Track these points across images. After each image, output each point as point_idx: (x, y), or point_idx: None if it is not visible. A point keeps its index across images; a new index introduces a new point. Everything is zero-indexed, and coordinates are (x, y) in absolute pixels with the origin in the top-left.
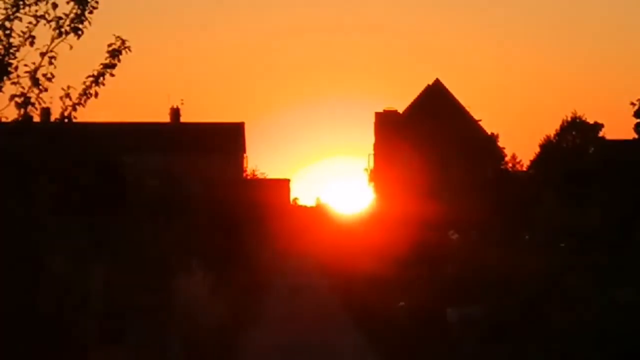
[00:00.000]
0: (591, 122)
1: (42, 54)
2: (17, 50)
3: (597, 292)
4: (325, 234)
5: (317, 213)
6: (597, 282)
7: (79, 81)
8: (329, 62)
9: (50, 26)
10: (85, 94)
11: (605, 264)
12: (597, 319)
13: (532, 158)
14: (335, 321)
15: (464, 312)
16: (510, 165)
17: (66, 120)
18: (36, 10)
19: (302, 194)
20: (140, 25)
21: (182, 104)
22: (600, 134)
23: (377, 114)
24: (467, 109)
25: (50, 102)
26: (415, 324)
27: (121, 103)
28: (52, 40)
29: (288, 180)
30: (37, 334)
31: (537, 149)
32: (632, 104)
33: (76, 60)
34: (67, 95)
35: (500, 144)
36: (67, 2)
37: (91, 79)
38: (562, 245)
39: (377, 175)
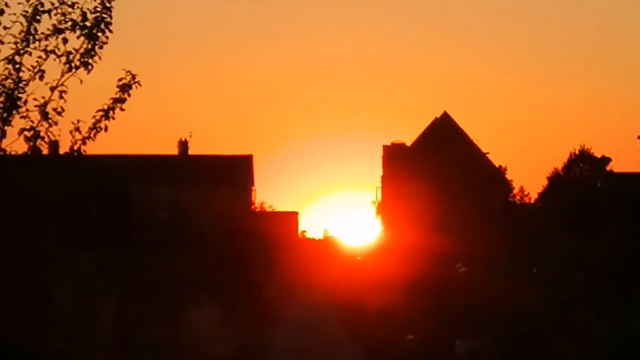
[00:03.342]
0: (599, 155)
1: (52, 88)
2: (27, 85)
3: (605, 325)
4: (333, 266)
5: (325, 246)
6: (605, 315)
7: (89, 115)
8: (337, 95)
9: (61, 61)
10: (95, 128)
11: (614, 296)
12: (604, 351)
13: (540, 190)
14: (344, 354)
15: (472, 344)
16: (518, 197)
17: (76, 154)
18: (46, 45)
19: (310, 226)
20: (149, 58)
21: (190, 136)
22: (608, 167)
23: (385, 147)
24: (475, 141)
25: (59, 135)
26: (424, 357)
27: (129, 135)
28: (62, 74)
29: (296, 213)
30: None
31: (545, 182)
32: None
33: (86, 94)
34: (77, 129)
35: (508, 176)
36: (78, 37)
37: (101, 113)
38: (577, 274)
39: (384, 208)
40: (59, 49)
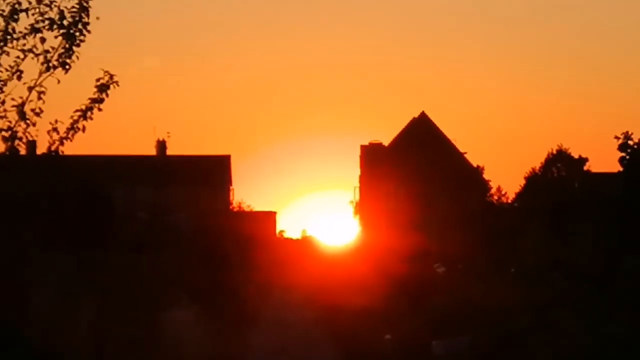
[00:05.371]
0: (576, 156)
1: (30, 88)
2: (5, 85)
3: (583, 325)
4: (311, 266)
5: (303, 245)
6: (583, 315)
7: (67, 115)
8: (314, 95)
9: (38, 60)
10: (73, 128)
11: (591, 296)
12: (582, 352)
13: (517, 190)
14: (321, 353)
15: (449, 344)
16: (495, 197)
17: (53, 154)
18: (24, 45)
19: (289, 226)
20: (126, 57)
21: (168, 136)
22: (585, 167)
23: (363, 147)
24: (453, 141)
25: (36, 136)
26: (401, 357)
27: (106, 136)
28: (40, 74)
29: (274, 213)
30: None
31: (522, 182)
32: (617, 137)
33: (64, 94)
34: (55, 130)
35: (486, 176)
36: (55, 37)
37: (79, 113)
38: (555, 275)
39: (362, 208)
40: (36, 49)
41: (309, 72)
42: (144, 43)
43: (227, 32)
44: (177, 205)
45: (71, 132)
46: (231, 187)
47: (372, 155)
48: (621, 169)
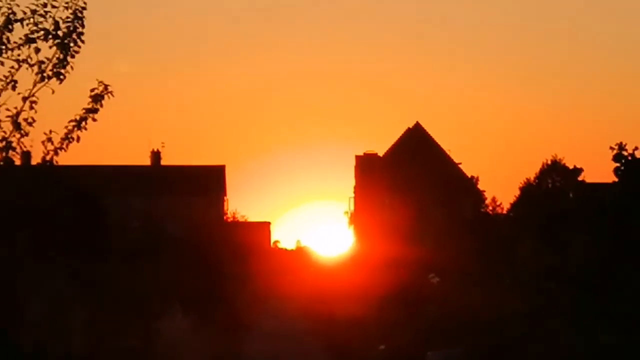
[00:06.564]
0: (571, 166)
1: (24, 98)
2: None
3: (577, 334)
4: (305, 276)
5: (297, 256)
6: (577, 324)
7: (61, 125)
8: (309, 105)
9: (33, 70)
10: (67, 138)
11: (585, 306)
12: None
13: (512, 201)
14: None
15: (444, 354)
16: (490, 208)
17: (48, 164)
18: (18, 55)
19: (283, 236)
20: (120, 68)
21: (162, 146)
22: (580, 177)
23: (358, 157)
24: (447, 152)
25: (31, 146)
26: None
27: (101, 146)
28: (35, 84)
29: (269, 223)
30: None
31: (517, 192)
32: (612, 148)
33: (58, 104)
34: (49, 140)
35: (480, 186)
36: (50, 47)
37: (73, 123)
38: (549, 285)
39: (357, 218)
40: (31, 59)
41: (304, 82)
42: (139, 53)
43: (222, 42)
44: (172, 215)
45: (65, 143)
46: (226, 197)
47: (366, 166)
48: (616, 179)
